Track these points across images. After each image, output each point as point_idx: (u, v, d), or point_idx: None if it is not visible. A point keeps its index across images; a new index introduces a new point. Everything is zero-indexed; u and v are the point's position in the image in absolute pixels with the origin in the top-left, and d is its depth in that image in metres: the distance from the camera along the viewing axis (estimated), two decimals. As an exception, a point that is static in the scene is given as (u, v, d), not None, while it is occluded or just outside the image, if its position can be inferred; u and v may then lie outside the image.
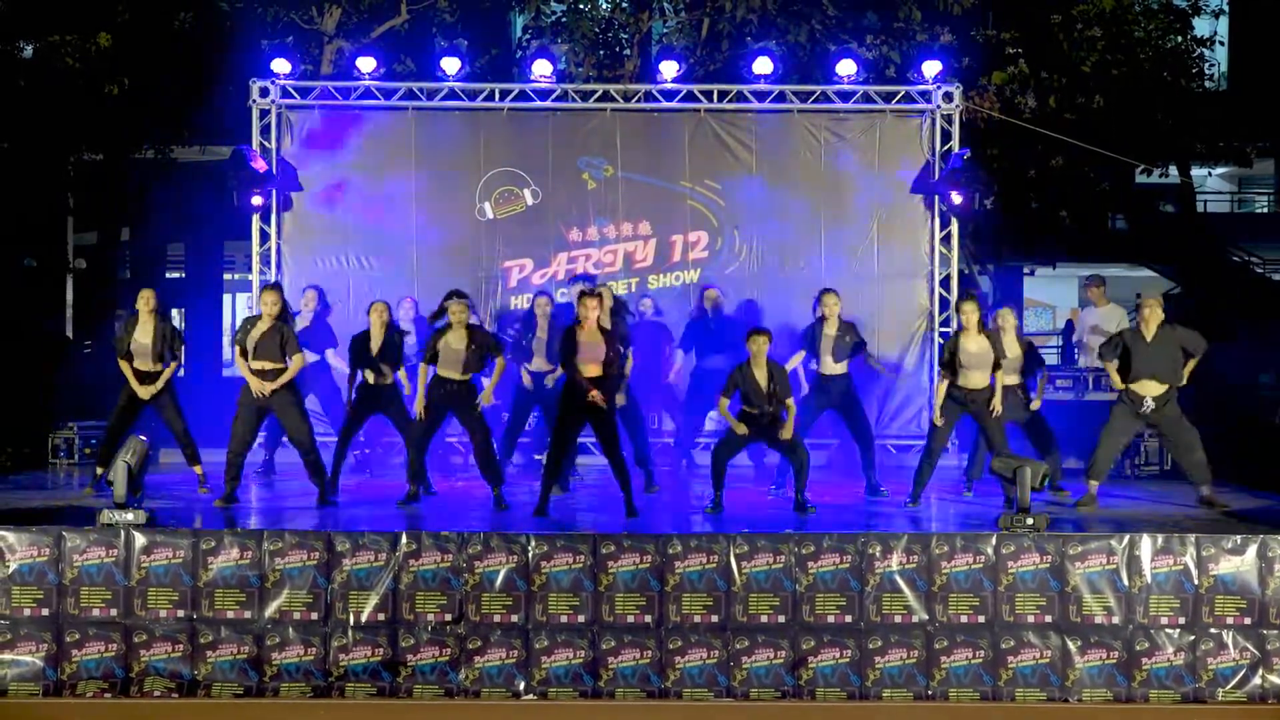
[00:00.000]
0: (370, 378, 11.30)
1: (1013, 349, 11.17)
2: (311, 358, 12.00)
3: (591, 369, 10.19)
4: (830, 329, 11.65)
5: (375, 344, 11.30)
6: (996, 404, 10.70)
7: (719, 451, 10.54)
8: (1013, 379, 11.21)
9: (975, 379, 10.73)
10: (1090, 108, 19.72)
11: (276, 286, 11.02)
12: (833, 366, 11.63)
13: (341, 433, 11.56)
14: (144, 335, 11.20)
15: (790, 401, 10.46)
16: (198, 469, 11.50)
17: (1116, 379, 10.71)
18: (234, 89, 15.13)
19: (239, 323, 11.03)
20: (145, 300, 11.28)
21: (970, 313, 10.75)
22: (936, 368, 11.61)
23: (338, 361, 12.61)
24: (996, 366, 10.72)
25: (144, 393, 11.20)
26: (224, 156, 15.44)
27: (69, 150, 19.09)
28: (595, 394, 10.12)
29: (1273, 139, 25.30)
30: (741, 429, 10.39)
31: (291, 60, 14.33)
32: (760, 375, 10.36)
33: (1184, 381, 10.65)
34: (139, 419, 11.30)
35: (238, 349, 10.71)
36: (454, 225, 14.18)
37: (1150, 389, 10.60)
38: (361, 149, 14.17)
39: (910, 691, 8.88)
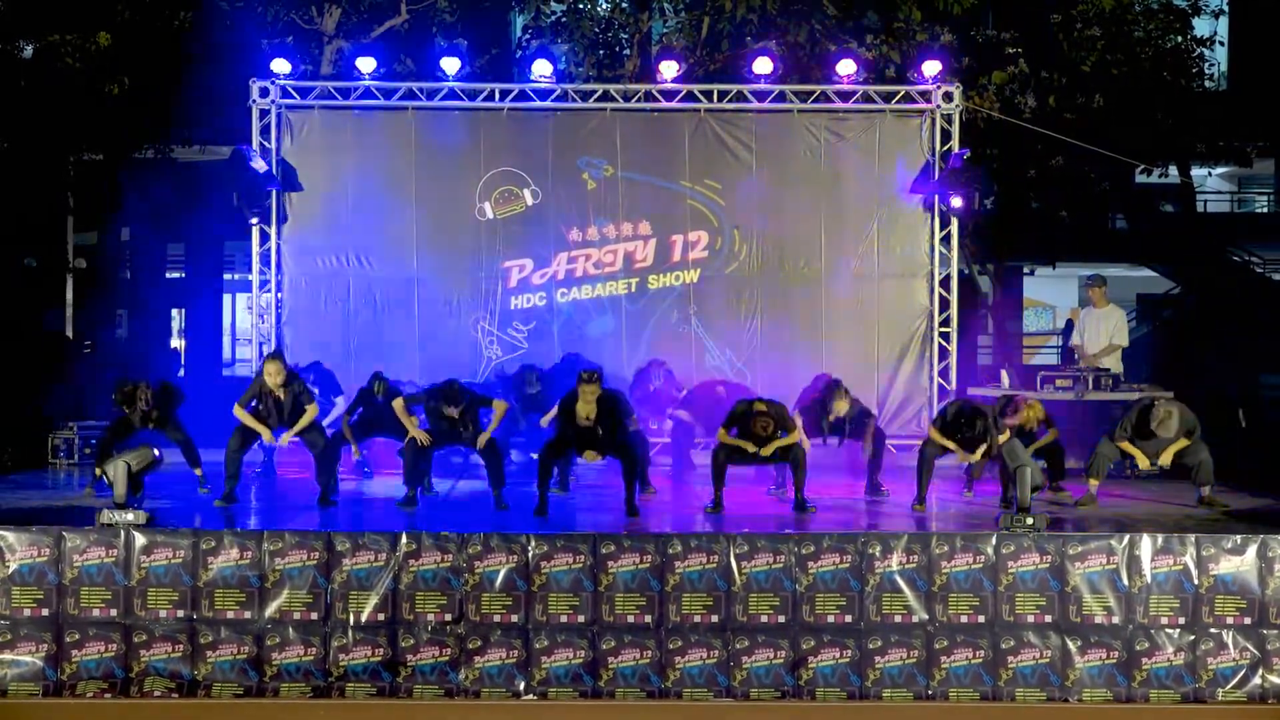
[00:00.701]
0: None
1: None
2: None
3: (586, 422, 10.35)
4: (835, 418, 11.42)
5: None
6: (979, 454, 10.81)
7: (719, 453, 10.54)
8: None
9: None
10: (1090, 107, 19.69)
11: (277, 356, 11.00)
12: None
13: (332, 436, 11.60)
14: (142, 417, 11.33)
15: (795, 434, 10.54)
16: (198, 470, 11.52)
17: (1134, 450, 10.74)
18: (234, 89, 15.10)
19: (250, 384, 10.98)
20: (142, 398, 11.25)
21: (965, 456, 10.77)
22: (929, 426, 11.56)
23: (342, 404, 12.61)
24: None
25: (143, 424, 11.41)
26: (224, 156, 15.42)
27: (69, 150, 19.08)
28: (591, 455, 10.37)
29: (1273, 139, 25.24)
30: (750, 447, 10.42)
31: (291, 60, 14.32)
32: (761, 426, 10.36)
33: (1168, 461, 10.78)
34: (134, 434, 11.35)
35: (239, 407, 10.78)
36: (454, 225, 14.17)
37: (1144, 460, 10.81)
38: (361, 149, 14.17)
39: (910, 691, 8.89)
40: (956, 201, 13.79)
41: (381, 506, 10.62)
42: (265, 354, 10.97)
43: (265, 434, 10.76)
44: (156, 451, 9.70)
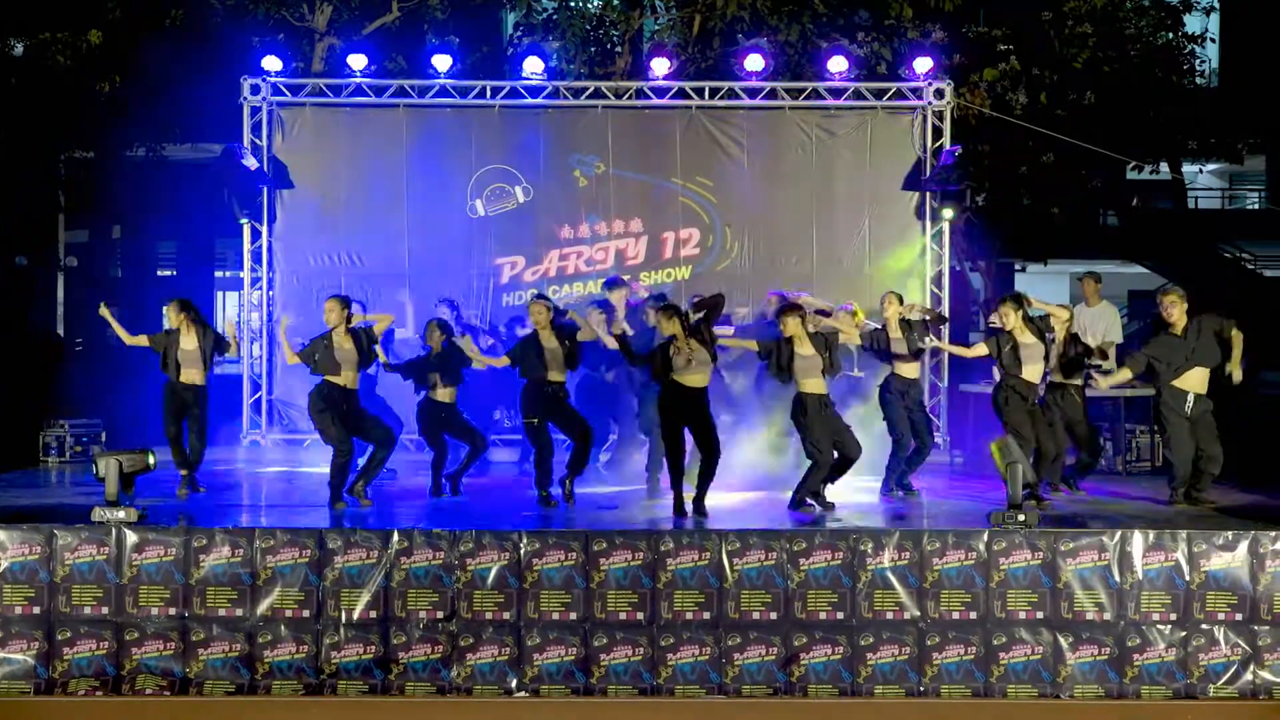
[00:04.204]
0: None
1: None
2: None
3: (699, 378, 9.95)
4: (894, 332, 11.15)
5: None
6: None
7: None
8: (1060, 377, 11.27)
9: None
10: (1081, 104, 19.75)
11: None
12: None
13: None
14: (189, 344, 11.10)
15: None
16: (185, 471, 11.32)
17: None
18: (225, 86, 15.11)
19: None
20: (176, 311, 11.13)
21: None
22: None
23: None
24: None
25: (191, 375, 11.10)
26: (215, 154, 15.43)
27: (60, 148, 19.07)
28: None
29: (1263, 135, 25.34)
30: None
31: (283, 58, 14.32)
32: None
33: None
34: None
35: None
36: (445, 222, 14.17)
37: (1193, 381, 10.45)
38: (353, 146, 14.16)
39: (902, 688, 8.89)
40: (947, 212, 13.79)
41: (378, 505, 10.60)
42: None
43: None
44: (151, 459, 9.58)
